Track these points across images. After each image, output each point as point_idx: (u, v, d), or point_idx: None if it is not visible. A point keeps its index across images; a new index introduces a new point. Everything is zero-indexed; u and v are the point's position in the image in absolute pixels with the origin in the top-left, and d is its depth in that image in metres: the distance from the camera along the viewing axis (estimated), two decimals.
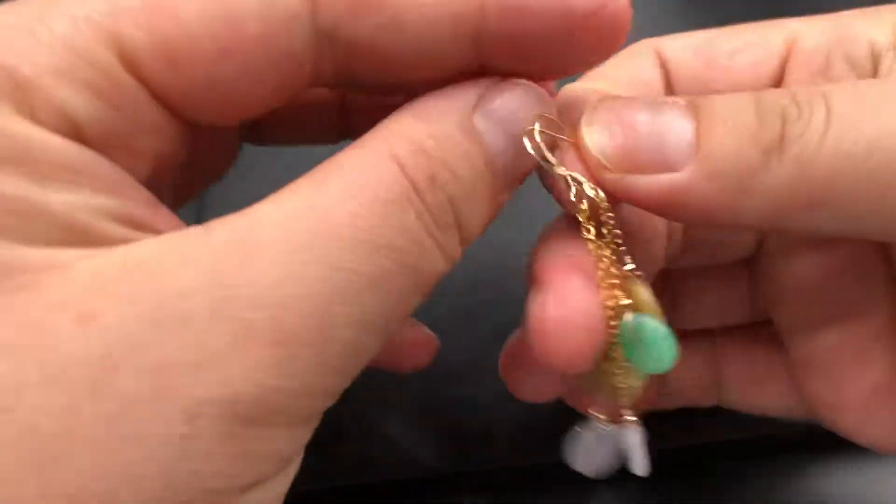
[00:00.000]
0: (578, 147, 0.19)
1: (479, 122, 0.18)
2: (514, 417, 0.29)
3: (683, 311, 0.26)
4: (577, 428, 0.22)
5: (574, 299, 0.18)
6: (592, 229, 0.19)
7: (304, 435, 0.16)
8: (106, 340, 0.14)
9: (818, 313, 0.23)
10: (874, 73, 0.20)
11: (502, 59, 0.18)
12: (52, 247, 0.15)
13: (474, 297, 0.30)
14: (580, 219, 0.19)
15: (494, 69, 0.18)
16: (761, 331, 0.25)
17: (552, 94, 0.20)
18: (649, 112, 0.18)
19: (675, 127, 0.18)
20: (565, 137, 0.19)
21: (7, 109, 0.15)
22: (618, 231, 0.19)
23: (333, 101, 0.24)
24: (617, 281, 0.19)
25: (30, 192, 0.15)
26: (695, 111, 0.18)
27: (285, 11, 0.17)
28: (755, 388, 0.25)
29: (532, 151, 0.18)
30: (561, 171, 0.19)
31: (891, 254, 0.22)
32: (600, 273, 0.19)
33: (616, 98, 0.19)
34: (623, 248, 0.19)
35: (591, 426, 0.22)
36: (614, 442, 0.22)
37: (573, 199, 0.19)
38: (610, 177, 0.18)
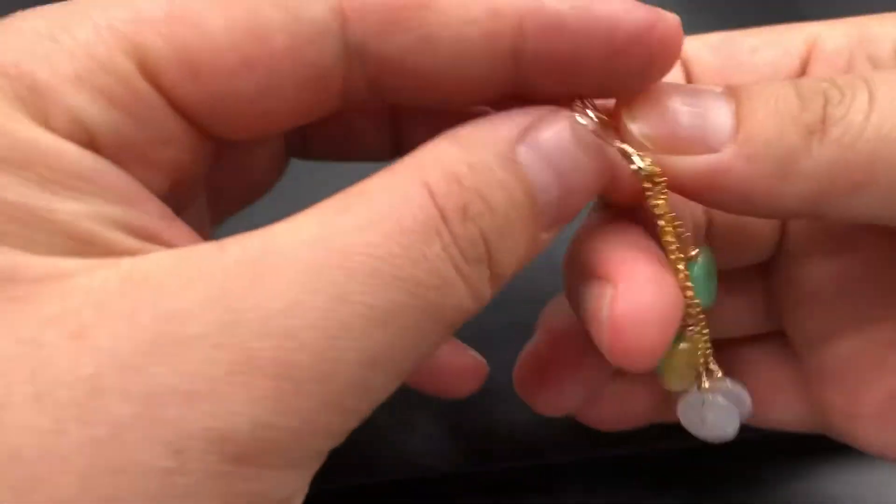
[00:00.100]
0: (619, 131, 0.18)
1: (523, 153, 0.17)
2: (516, 418, 0.29)
3: None
4: (695, 394, 0.21)
5: (651, 290, 0.18)
6: (663, 208, 0.18)
7: (303, 478, 0.15)
8: (97, 360, 0.14)
9: (835, 319, 0.23)
10: None
11: (542, 79, 0.17)
12: (54, 255, 0.15)
13: None
14: (656, 201, 0.18)
15: (534, 90, 0.18)
16: (773, 342, 0.25)
17: None
18: (688, 96, 0.18)
19: (715, 110, 0.18)
20: (605, 117, 0.18)
21: (20, 114, 0.15)
22: (673, 214, 0.19)
23: (386, 116, 0.23)
24: (681, 266, 0.19)
25: (34, 198, 0.15)
26: (734, 95, 0.18)
27: (313, 26, 0.16)
28: (767, 402, 0.25)
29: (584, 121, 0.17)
30: (617, 143, 0.18)
31: None
32: (672, 257, 0.19)
33: (654, 85, 0.19)
34: (682, 227, 0.19)
35: (717, 385, 0.21)
36: (737, 399, 0.21)
37: (641, 177, 0.18)
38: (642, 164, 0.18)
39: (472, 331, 0.29)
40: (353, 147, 0.24)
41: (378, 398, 0.16)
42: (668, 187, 0.18)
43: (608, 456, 0.29)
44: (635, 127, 0.18)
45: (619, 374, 0.24)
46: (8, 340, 0.14)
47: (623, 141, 0.18)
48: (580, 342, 0.21)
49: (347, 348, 0.14)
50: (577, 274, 0.19)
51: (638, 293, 0.17)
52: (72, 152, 0.15)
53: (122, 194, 0.16)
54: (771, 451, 0.29)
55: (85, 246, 0.15)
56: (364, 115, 0.23)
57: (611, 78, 0.18)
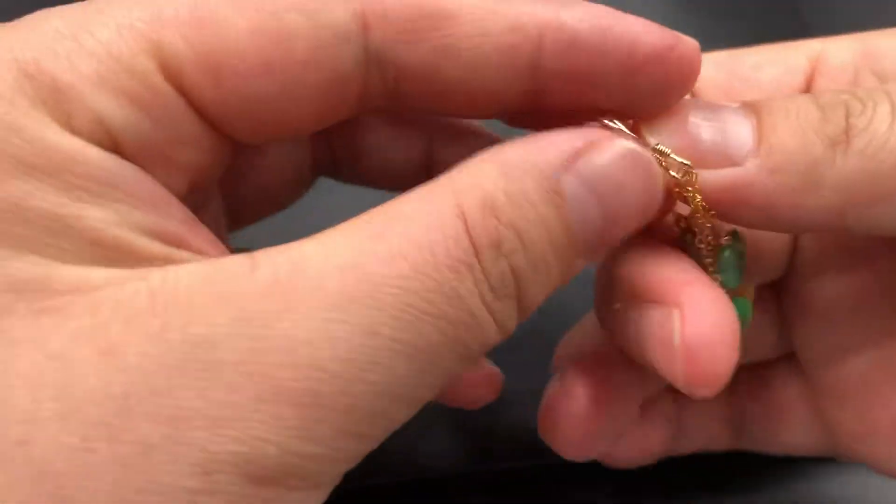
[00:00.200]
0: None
1: (569, 183, 0.16)
2: (517, 418, 0.29)
3: None
4: None
5: (718, 311, 0.17)
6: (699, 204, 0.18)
7: (323, 496, 0.16)
8: (126, 380, 0.14)
9: (848, 336, 0.22)
10: None
11: (558, 94, 0.17)
12: (83, 264, 0.15)
13: None
14: (693, 196, 0.18)
15: (549, 104, 0.18)
16: (781, 365, 0.25)
17: None
18: (707, 111, 0.18)
19: (735, 125, 0.18)
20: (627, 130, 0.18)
21: (44, 116, 0.15)
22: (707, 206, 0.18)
23: (420, 150, 0.23)
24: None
25: (61, 205, 0.15)
26: (753, 110, 0.18)
27: (335, 32, 0.16)
28: (776, 426, 0.24)
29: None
30: (652, 142, 0.18)
31: None
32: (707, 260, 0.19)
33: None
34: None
35: None
36: None
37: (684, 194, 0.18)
38: (674, 173, 0.18)
39: None
40: (386, 175, 0.24)
41: (396, 426, 0.16)
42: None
43: None
44: (656, 142, 0.18)
45: (642, 411, 0.24)
46: (37, 354, 0.14)
47: None
48: (608, 381, 0.21)
49: (373, 381, 0.15)
50: (622, 299, 0.19)
51: (706, 316, 0.17)
52: (96, 157, 0.15)
53: (147, 199, 0.16)
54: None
55: (113, 253, 0.15)
56: (398, 146, 0.23)
57: (628, 97, 0.17)
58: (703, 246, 0.19)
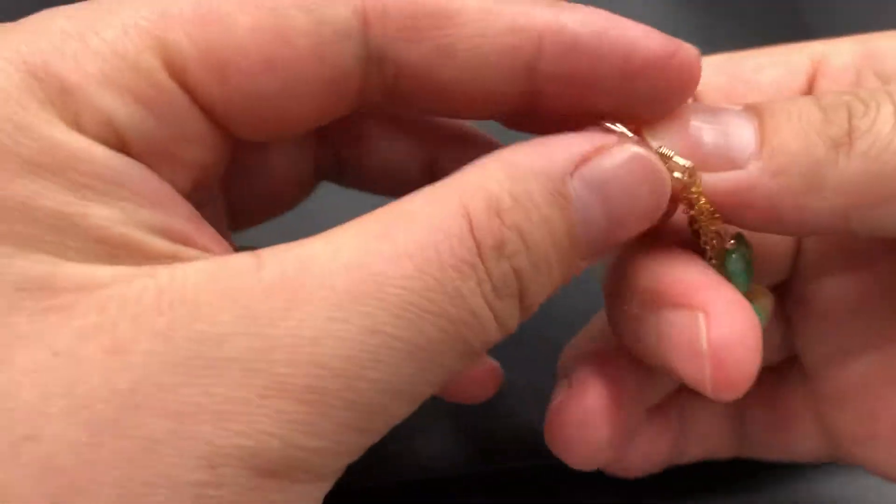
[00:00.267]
0: None
1: (576, 186, 0.16)
2: (518, 419, 0.29)
3: None
4: None
5: (742, 313, 0.17)
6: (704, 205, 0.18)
7: (325, 488, 0.16)
8: (133, 377, 0.14)
9: (850, 338, 0.22)
10: None
11: (557, 97, 0.18)
12: (89, 262, 0.15)
13: None
14: (697, 198, 0.18)
15: (548, 107, 0.18)
16: (785, 370, 0.25)
17: None
18: (708, 114, 0.18)
19: (736, 127, 0.18)
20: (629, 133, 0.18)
21: (51, 115, 0.15)
22: (713, 209, 0.18)
23: (421, 161, 0.23)
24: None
25: (68, 204, 0.15)
26: (754, 112, 0.18)
27: (335, 29, 0.16)
28: (779, 432, 0.24)
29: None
30: (654, 145, 0.18)
31: None
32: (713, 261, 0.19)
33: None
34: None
35: None
36: None
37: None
38: (678, 174, 0.18)
39: None
40: (385, 181, 0.24)
41: (397, 420, 0.16)
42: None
43: None
44: (658, 145, 0.18)
45: (647, 419, 0.24)
46: (45, 353, 0.14)
47: None
48: (617, 387, 0.21)
49: (374, 378, 0.15)
50: (639, 304, 0.19)
51: (732, 318, 0.17)
52: (103, 155, 0.15)
53: (153, 197, 0.16)
54: None
55: (119, 251, 0.15)
56: (400, 151, 0.23)
57: (627, 101, 0.18)
58: (708, 248, 0.19)
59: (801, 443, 0.24)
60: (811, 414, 0.24)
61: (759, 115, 0.18)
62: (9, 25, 0.16)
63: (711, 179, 0.18)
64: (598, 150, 0.17)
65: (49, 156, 0.15)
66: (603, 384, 0.21)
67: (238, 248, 0.17)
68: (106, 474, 0.14)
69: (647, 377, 0.22)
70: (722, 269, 0.19)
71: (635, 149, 0.17)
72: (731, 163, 0.18)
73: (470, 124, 0.24)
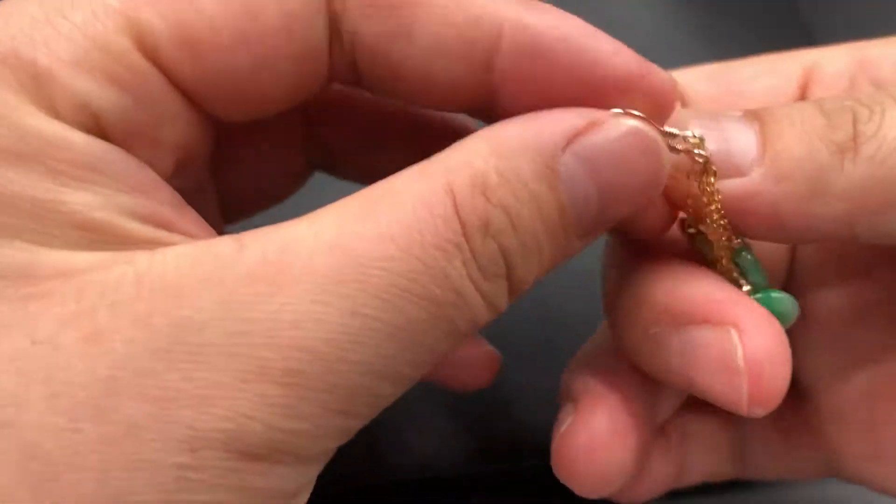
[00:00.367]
0: None
1: (568, 162, 0.16)
2: (518, 419, 0.29)
3: None
4: None
5: (775, 326, 0.17)
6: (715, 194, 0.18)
7: (313, 471, 0.16)
8: (112, 363, 0.14)
9: (849, 351, 0.22)
10: None
11: (519, 96, 0.17)
12: (68, 249, 0.15)
13: None
14: (709, 187, 0.17)
15: (511, 104, 0.17)
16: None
17: None
18: (707, 121, 0.18)
19: (737, 133, 0.17)
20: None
21: (25, 103, 0.15)
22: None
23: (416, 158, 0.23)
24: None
25: (45, 191, 0.15)
26: (755, 118, 0.18)
27: (302, 2, 0.16)
28: (781, 452, 0.24)
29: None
30: (666, 128, 0.17)
31: None
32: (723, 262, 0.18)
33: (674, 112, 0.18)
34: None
35: None
36: None
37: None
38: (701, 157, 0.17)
39: (480, 330, 0.29)
40: (381, 174, 0.23)
41: (385, 403, 0.16)
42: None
43: None
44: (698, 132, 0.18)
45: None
46: (24, 341, 0.14)
47: None
48: (624, 411, 0.20)
49: (357, 360, 0.15)
50: (659, 323, 0.18)
51: (765, 332, 0.17)
52: (80, 141, 0.15)
53: (133, 182, 0.16)
54: None
55: (99, 237, 0.15)
56: (394, 149, 0.23)
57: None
58: (716, 244, 0.19)
59: (803, 462, 0.24)
60: (811, 432, 0.23)
61: (760, 120, 0.18)
62: None
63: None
64: (592, 125, 0.16)
65: (25, 143, 0.15)
66: (611, 406, 0.20)
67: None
68: (86, 459, 0.14)
69: (654, 396, 0.21)
70: (731, 266, 0.19)
71: (631, 122, 0.16)
72: (732, 169, 0.17)
73: (469, 119, 0.23)
